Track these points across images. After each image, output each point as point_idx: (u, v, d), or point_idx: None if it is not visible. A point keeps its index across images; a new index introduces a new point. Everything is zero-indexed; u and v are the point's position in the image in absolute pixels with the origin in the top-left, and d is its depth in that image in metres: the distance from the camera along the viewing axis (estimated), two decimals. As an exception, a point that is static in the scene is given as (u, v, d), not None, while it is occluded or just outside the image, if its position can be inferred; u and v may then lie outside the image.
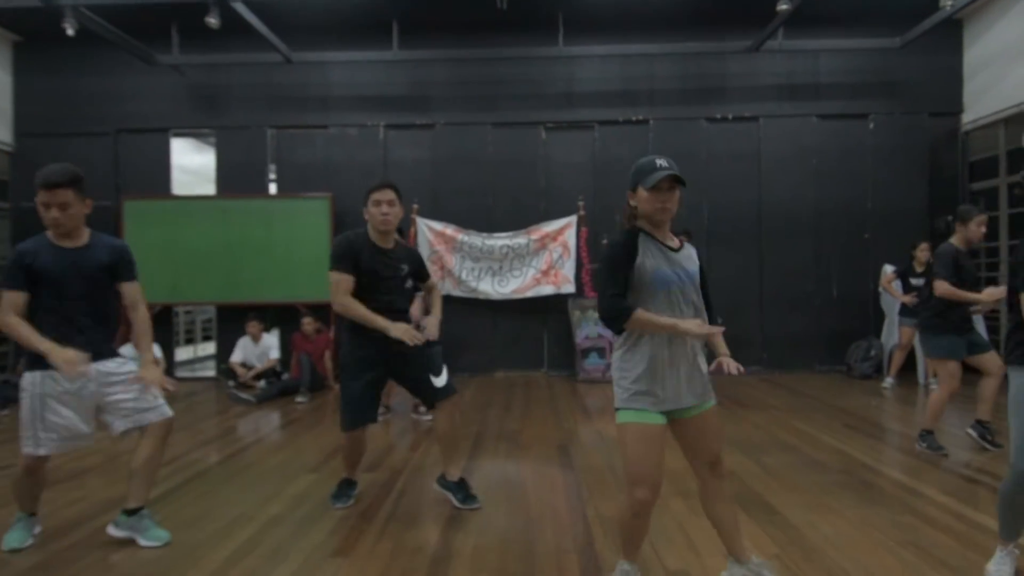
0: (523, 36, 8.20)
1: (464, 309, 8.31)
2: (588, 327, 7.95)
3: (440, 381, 3.50)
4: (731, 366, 2.32)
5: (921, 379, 7.26)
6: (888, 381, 7.17)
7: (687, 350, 2.34)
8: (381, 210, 3.40)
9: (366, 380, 3.46)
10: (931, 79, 8.34)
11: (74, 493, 3.84)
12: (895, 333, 7.31)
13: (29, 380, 2.97)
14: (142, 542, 3.06)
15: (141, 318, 3.14)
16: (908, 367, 7.25)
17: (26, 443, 2.96)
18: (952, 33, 8.22)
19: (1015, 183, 7.55)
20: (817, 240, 8.43)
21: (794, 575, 2.67)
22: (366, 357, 3.44)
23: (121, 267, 3.12)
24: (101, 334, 3.07)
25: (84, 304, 3.01)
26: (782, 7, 6.66)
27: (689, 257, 2.40)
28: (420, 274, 3.72)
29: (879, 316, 8.07)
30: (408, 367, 3.50)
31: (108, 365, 3.05)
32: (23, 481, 3.09)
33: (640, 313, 2.24)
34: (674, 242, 2.40)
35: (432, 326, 3.54)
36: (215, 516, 3.46)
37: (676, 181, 2.27)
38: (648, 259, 2.30)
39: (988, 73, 7.91)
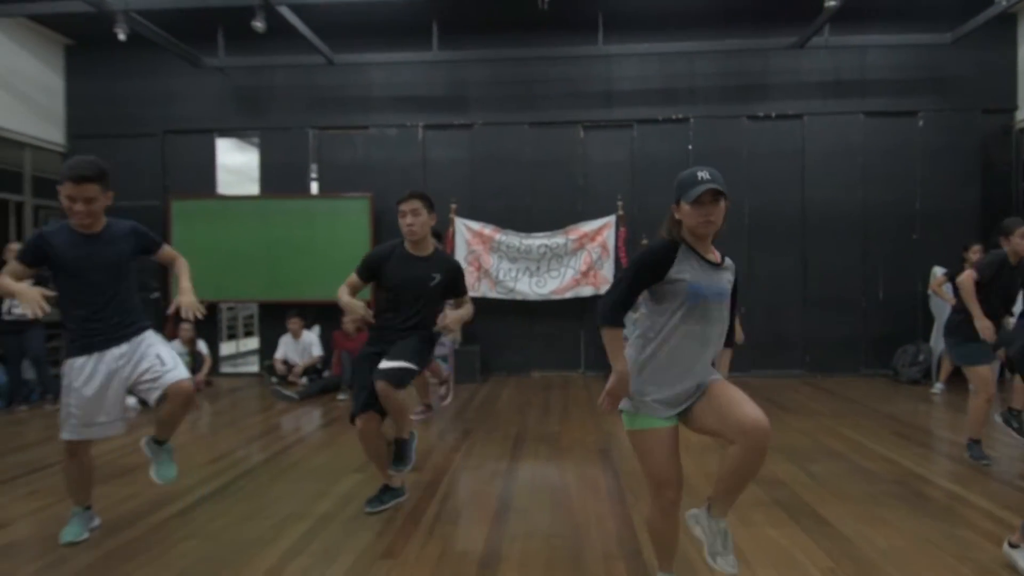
0: (562, 35, 8.15)
1: (500, 309, 8.32)
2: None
3: (384, 363, 3.35)
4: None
5: (972, 385, 7.04)
6: (937, 387, 6.98)
7: (702, 364, 2.35)
8: (406, 221, 3.51)
9: (370, 369, 3.49)
10: (984, 75, 8.07)
11: (126, 490, 3.94)
12: (944, 337, 7.10)
13: (65, 367, 3.13)
14: (152, 473, 3.35)
15: (180, 263, 3.35)
16: (958, 373, 7.04)
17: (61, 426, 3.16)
18: (1006, 28, 7.94)
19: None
20: (863, 241, 8.23)
21: (849, 589, 2.62)
22: (375, 353, 3.51)
23: (146, 244, 3.26)
24: (123, 318, 3.14)
25: (103, 291, 3.08)
26: (830, 3, 6.49)
27: (726, 273, 2.38)
28: (455, 288, 3.67)
29: (928, 320, 7.85)
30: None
31: (124, 347, 3.11)
32: (66, 466, 3.22)
33: (615, 334, 2.43)
34: (715, 256, 2.37)
35: (453, 317, 3.56)
36: (266, 514, 3.53)
37: (718, 194, 2.22)
38: (687, 273, 2.28)
39: (1045, 69, 7.64)
